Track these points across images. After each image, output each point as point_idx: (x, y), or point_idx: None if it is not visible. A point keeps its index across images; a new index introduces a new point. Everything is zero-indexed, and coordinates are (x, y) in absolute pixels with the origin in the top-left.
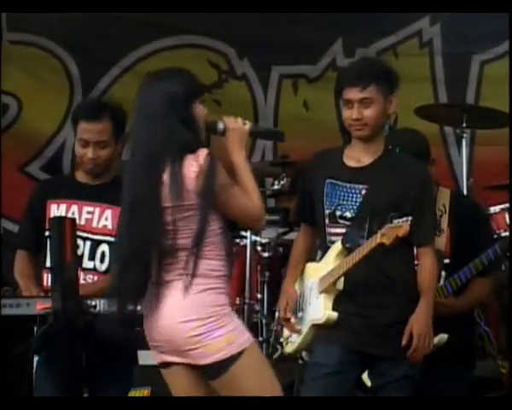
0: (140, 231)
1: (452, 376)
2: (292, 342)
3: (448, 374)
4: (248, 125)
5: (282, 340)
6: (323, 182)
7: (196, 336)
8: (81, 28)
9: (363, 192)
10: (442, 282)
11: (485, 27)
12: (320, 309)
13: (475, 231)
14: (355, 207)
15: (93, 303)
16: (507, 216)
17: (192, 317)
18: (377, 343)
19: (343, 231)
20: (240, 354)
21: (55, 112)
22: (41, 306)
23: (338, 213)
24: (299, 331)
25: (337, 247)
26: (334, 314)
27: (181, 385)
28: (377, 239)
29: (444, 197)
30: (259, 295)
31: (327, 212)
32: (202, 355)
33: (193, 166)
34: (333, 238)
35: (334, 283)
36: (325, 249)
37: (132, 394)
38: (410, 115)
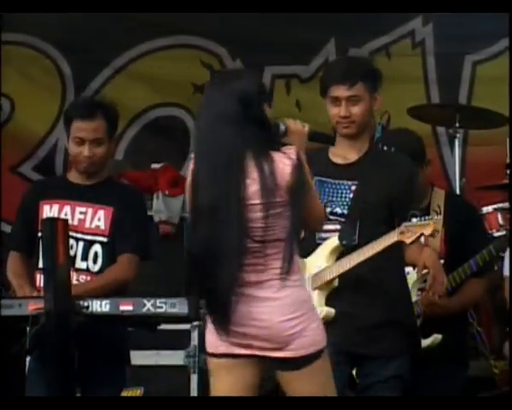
0: (225, 231)
1: (445, 376)
2: None
3: (441, 374)
4: (307, 128)
5: None
6: None
7: (299, 331)
8: (74, 28)
9: (353, 188)
10: None
11: (478, 28)
12: None
13: (470, 232)
14: (345, 203)
15: (85, 304)
16: (499, 216)
17: (294, 314)
18: (367, 343)
19: (335, 227)
20: (325, 348)
21: (48, 112)
22: (33, 306)
23: (328, 209)
24: None
25: (332, 243)
26: (332, 311)
27: (238, 380)
28: (395, 237)
29: (438, 198)
30: None
31: None
32: (301, 347)
33: (286, 163)
34: (323, 235)
35: (331, 280)
36: (313, 246)
37: (125, 394)
38: (403, 115)
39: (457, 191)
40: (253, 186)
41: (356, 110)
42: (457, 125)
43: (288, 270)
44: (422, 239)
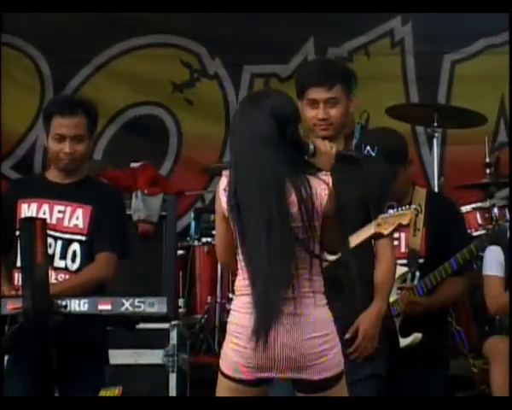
0: (276, 254)
1: (425, 375)
2: None
3: (421, 373)
4: (334, 149)
5: None
6: None
7: (323, 350)
8: (53, 27)
9: None
10: (416, 282)
11: (457, 27)
12: None
13: (451, 231)
14: None
15: (64, 303)
16: (478, 216)
17: (322, 332)
18: (346, 343)
19: None
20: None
21: (27, 111)
22: (11, 306)
23: None
24: None
25: None
26: None
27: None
28: (372, 229)
29: (420, 197)
30: (231, 295)
31: None
32: (323, 369)
33: (323, 187)
34: None
35: None
36: None
37: (103, 393)
38: (382, 115)
39: (436, 190)
40: (292, 209)
41: (334, 112)
42: (436, 124)
43: (319, 289)
44: (403, 241)
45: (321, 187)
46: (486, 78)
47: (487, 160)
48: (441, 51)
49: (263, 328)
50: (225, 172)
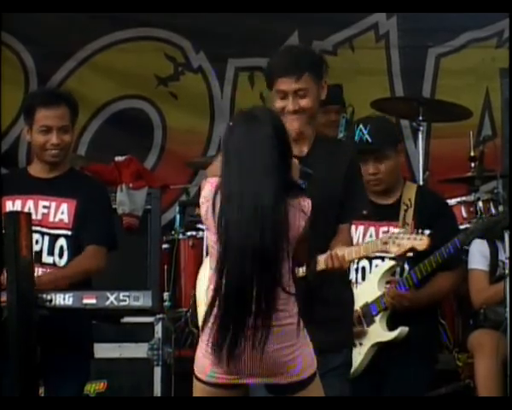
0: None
1: (412, 370)
2: None
3: (408, 368)
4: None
5: None
6: None
7: (291, 359)
8: (37, 21)
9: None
10: (404, 275)
11: (441, 21)
12: None
13: (441, 226)
14: None
15: (48, 297)
16: (463, 209)
17: (290, 342)
18: (316, 336)
19: None
20: (316, 371)
21: (11, 105)
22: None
23: None
24: None
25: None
26: None
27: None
28: (377, 246)
29: (410, 192)
30: None
31: None
32: (292, 375)
33: (302, 216)
34: None
35: None
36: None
37: (88, 387)
38: (367, 108)
39: (421, 183)
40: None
41: (304, 102)
42: (421, 118)
43: (291, 301)
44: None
45: (300, 215)
46: (471, 71)
47: (472, 153)
48: (426, 45)
49: (227, 345)
50: (211, 180)
